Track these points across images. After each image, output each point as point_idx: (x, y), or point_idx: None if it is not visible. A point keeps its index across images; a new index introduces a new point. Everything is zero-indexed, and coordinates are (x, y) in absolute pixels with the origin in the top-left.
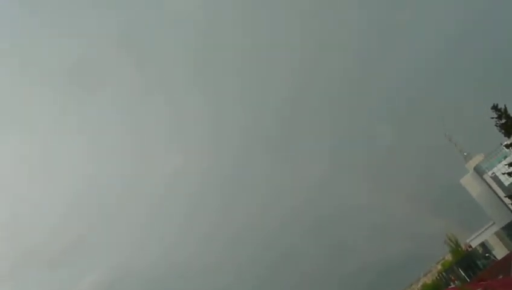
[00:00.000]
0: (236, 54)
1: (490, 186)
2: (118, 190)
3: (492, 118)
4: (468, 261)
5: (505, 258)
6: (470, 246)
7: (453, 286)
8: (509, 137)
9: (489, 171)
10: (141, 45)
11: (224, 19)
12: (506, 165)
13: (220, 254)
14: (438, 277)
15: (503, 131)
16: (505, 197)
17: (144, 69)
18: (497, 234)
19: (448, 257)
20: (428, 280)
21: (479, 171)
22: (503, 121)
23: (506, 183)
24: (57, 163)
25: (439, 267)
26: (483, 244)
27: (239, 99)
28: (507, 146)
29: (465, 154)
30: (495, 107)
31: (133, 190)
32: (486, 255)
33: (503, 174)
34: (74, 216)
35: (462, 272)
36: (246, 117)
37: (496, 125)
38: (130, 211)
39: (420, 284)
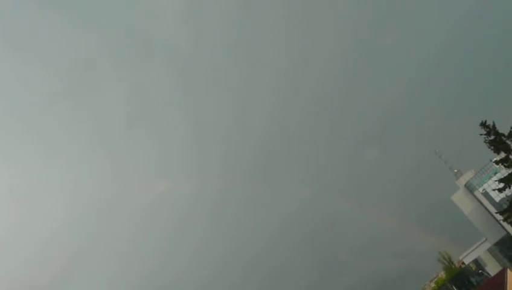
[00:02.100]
0: (220, 85)
1: (481, 203)
2: (104, 215)
3: (481, 134)
4: (462, 278)
5: (498, 275)
6: (463, 263)
7: None
8: (498, 153)
9: (479, 187)
10: (127, 77)
11: (208, 52)
12: (496, 181)
13: (210, 274)
14: None
15: (492, 147)
16: (496, 213)
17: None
18: (489, 250)
19: (442, 275)
20: None
21: (469, 188)
22: (492, 137)
23: (497, 199)
24: (42, 193)
25: (433, 285)
26: (476, 261)
27: (224, 121)
28: (497, 162)
29: (455, 171)
30: (483, 124)
31: (118, 214)
32: (480, 271)
33: (494, 190)
34: (61, 242)
35: None
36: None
37: (485, 142)
38: (115, 234)
39: None
